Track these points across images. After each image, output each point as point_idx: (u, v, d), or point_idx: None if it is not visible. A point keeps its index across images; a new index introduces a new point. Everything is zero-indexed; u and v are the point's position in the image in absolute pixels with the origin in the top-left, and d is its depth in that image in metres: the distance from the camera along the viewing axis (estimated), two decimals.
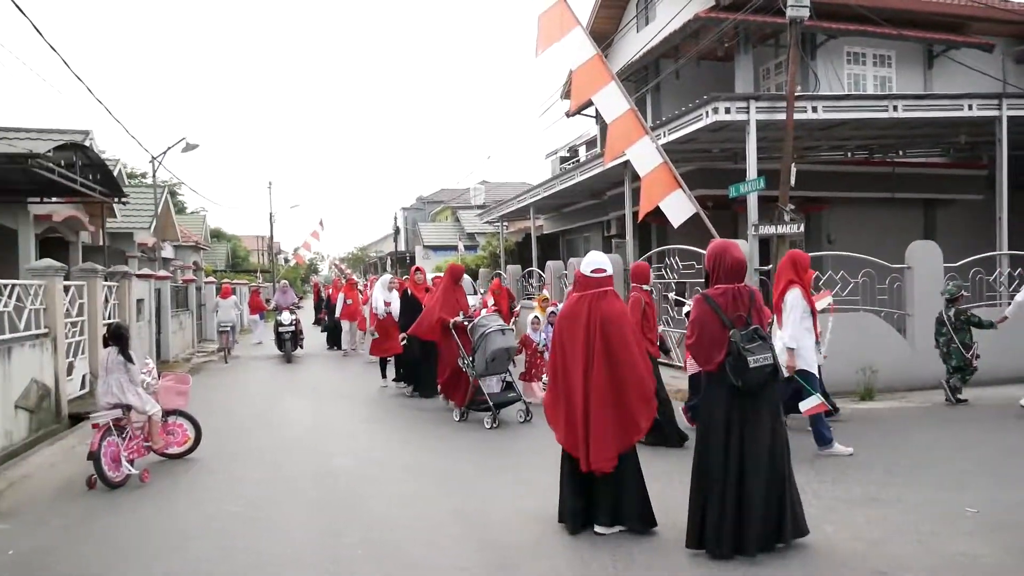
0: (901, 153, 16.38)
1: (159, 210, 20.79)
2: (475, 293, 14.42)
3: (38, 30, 9.71)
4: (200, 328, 21.45)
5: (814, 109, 11.37)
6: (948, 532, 4.70)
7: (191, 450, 7.28)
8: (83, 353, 10.51)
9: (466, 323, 8.92)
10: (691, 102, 11.72)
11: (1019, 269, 11.23)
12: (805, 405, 6.52)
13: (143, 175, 32.26)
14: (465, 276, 10.88)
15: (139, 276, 14.19)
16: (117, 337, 6.72)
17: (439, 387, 9.62)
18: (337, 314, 17.04)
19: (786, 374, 6.54)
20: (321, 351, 17.65)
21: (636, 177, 10.34)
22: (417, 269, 11.19)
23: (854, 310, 10.00)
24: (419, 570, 4.40)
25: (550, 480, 5.16)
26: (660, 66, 17.87)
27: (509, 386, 8.83)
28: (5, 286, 8.22)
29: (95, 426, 6.40)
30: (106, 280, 11.74)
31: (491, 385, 8.64)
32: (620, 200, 15.33)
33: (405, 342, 10.54)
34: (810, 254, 12.95)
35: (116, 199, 14.13)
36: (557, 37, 9.71)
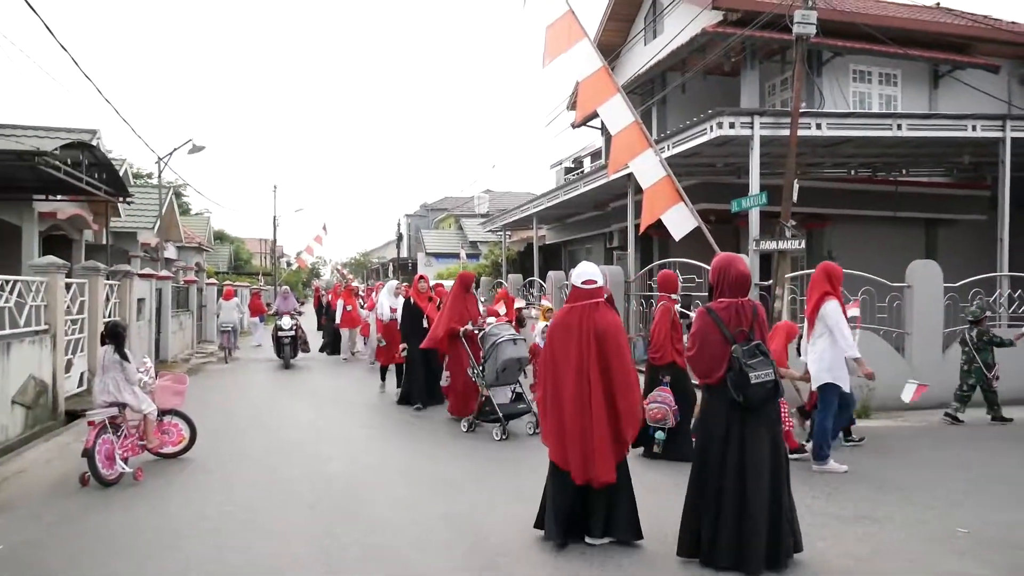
0: (904, 172, 16.41)
1: (163, 210, 20.87)
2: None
3: (49, 28, 9.79)
4: (200, 329, 21.48)
5: (818, 126, 11.40)
6: (939, 551, 4.69)
7: (186, 450, 7.30)
8: (82, 351, 10.54)
9: (476, 332, 8.83)
10: (697, 116, 11.76)
11: (1019, 291, 11.24)
12: (907, 394, 6.57)
13: (149, 175, 32.39)
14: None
15: (141, 275, 14.23)
16: (113, 335, 6.74)
17: (447, 399, 9.48)
18: (337, 321, 17.02)
19: (868, 379, 6.79)
20: (320, 356, 17.62)
21: (639, 189, 10.38)
22: (421, 277, 11.08)
23: (852, 327, 9.99)
24: (411, 573, 4.40)
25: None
26: (667, 79, 17.95)
27: (519, 397, 8.59)
28: (7, 282, 8.26)
29: (90, 423, 6.41)
30: (108, 279, 11.79)
31: (501, 396, 8.39)
32: (623, 212, 15.36)
33: (406, 353, 10.41)
34: (811, 271, 13.09)
35: (121, 199, 14.20)
36: (564, 48, 9.76)
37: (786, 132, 10.81)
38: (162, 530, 5.20)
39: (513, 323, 9.99)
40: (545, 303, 13.25)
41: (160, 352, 15.90)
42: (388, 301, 11.90)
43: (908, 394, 6.61)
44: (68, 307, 9.81)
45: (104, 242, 16.00)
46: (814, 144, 12.53)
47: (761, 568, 4.21)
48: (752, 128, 10.96)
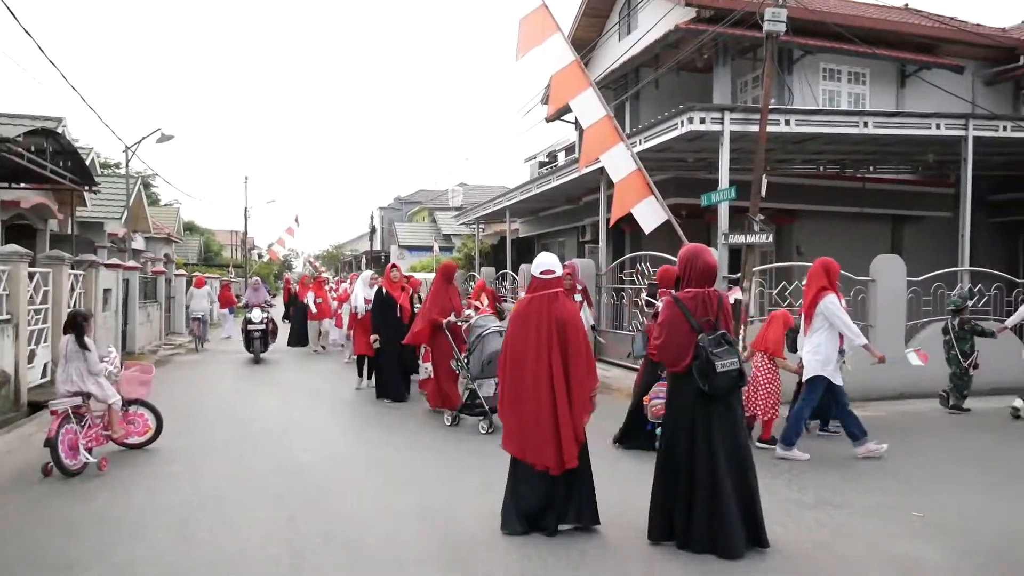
0: (871, 169, 16.71)
1: (131, 201, 20.51)
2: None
3: (12, 13, 9.59)
4: (168, 321, 21.21)
5: (787, 122, 11.56)
6: (893, 534, 4.82)
7: (151, 440, 7.22)
8: (46, 341, 10.37)
9: (460, 323, 8.73)
10: (669, 111, 11.86)
11: (979, 285, 11.52)
12: (914, 360, 6.87)
13: (116, 165, 31.80)
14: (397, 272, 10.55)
15: (107, 266, 14.03)
16: (73, 324, 6.65)
17: (424, 392, 9.38)
18: (312, 310, 16.62)
19: (878, 362, 7.00)
20: (287, 348, 17.06)
21: (611, 184, 10.44)
22: (393, 266, 10.74)
23: None
24: (378, 562, 4.42)
25: None
26: (640, 75, 18.06)
27: None
28: None
29: (53, 413, 6.34)
30: (73, 268, 11.60)
31: (486, 388, 8.14)
32: (595, 206, 15.45)
33: (377, 344, 10.08)
34: (780, 265, 13.31)
35: (87, 187, 13.96)
36: (538, 41, 9.76)
37: (756, 128, 10.94)
38: (126, 519, 5.16)
39: (494, 315, 9.95)
40: (523, 295, 13.25)
41: (127, 343, 15.66)
42: (363, 292, 11.39)
43: (915, 360, 6.99)
44: (31, 297, 9.65)
45: (70, 232, 15.71)
46: (783, 140, 12.70)
47: (740, 551, 4.32)
48: (722, 124, 11.08)
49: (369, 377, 11.12)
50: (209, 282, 21.46)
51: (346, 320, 13.92)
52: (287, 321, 18.09)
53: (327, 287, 17.46)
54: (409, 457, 7.04)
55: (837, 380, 6.92)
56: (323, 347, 16.85)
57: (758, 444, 7.15)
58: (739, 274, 10.75)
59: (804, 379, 7.09)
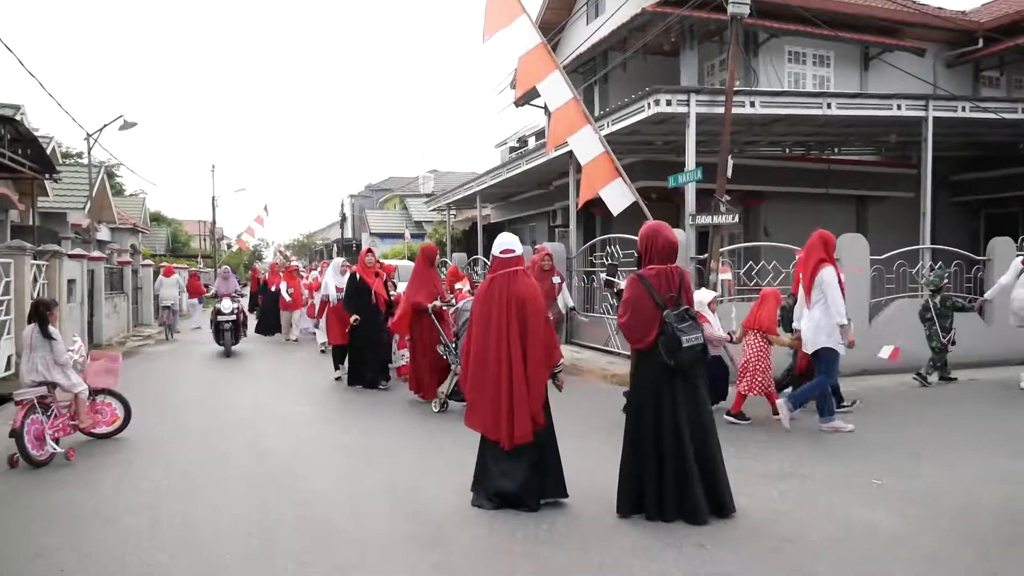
0: (836, 151, 16.98)
1: (94, 190, 20.15)
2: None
3: None
4: (136, 312, 20.90)
5: (752, 104, 11.69)
6: (853, 502, 4.97)
7: (120, 430, 7.16)
8: (8, 333, 10.19)
9: (445, 308, 8.64)
10: (636, 94, 11.92)
11: (940, 262, 11.81)
12: (885, 353, 6.86)
13: (79, 155, 31.13)
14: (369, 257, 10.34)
15: (71, 256, 13.76)
16: (36, 313, 6.56)
17: (402, 377, 9.29)
18: (287, 299, 16.48)
19: (847, 349, 6.97)
20: (257, 337, 16.97)
21: (580, 167, 10.49)
22: (368, 251, 10.50)
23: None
24: (348, 540, 4.46)
25: None
26: (609, 58, 18.09)
27: None
28: None
29: (18, 403, 6.25)
30: (35, 259, 11.38)
31: None
32: (566, 190, 15.51)
33: (356, 322, 9.83)
34: (747, 245, 13.51)
35: (47, 176, 13.70)
36: (505, 23, 9.74)
37: (721, 110, 11.05)
38: (97, 506, 5.14)
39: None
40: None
41: (94, 335, 15.43)
42: (334, 280, 11.17)
43: (886, 353, 7.08)
44: None
45: (31, 223, 15.39)
46: (749, 122, 12.85)
47: (706, 516, 4.47)
48: (688, 106, 11.18)
49: (343, 362, 10.87)
50: (178, 272, 21.20)
51: (318, 309, 13.74)
52: (254, 312, 17.94)
53: (300, 275, 17.33)
54: (380, 440, 7.07)
55: (841, 350, 7.00)
56: (296, 339, 16.64)
57: (728, 418, 7.32)
58: (706, 255, 10.90)
59: (810, 352, 7.13)
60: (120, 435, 7.11)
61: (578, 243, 14.90)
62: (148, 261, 23.40)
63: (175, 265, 23.22)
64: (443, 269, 16.48)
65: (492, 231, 25.65)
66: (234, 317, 14.19)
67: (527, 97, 20.70)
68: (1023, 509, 4.77)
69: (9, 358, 10.16)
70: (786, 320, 8.03)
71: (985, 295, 9.98)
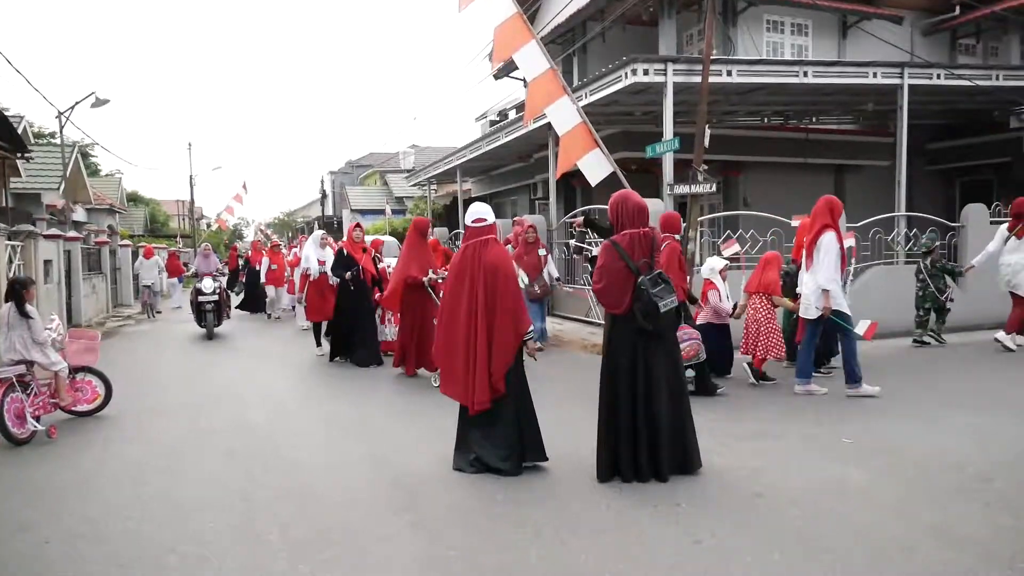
0: (814, 120, 17.06)
1: (68, 171, 19.82)
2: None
3: None
4: (115, 292, 20.73)
5: (729, 72, 11.71)
6: (823, 459, 5.11)
7: (101, 408, 7.17)
8: None
9: (440, 280, 8.50)
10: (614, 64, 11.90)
11: (915, 229, 11.97)
12: (861, 328, 7.10)
13: (52, 135, 30.59)
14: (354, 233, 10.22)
15: (46, 236, 13.59)
16: (12, 292, 6.53)
17: (386, 351, 9.27)
18: (262, 280, 16.57)
19: (819, 315, 7.04)
20: (243, 317, 17.08)
21: (559, 139, 10.49)
22: (357, 225, 10.29)
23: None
24: (330, 505, 4.53)
25: None
26: (587, 28, 18.00)
27: None
28: None
29: None
30: (9, 240, 11.25)
31: None
32: (546, 163, 15.50)
33: (350, 275, 9.65)
34: (726, 214, 13.60)
35: (19, 155, 13.48)
36: None
37: (699, 79, 11.06)
38: (79, 481, 5.17)
39: None
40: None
41: (73, 316, 15.29)
42: (315, 254, 10.93)
43: (862, 329, 7.19)
44: None
45: (3, 203, 15.15)
46: (727, 92, 12.87)
47: (669, 472, 4.65)
48: (666, 75, 11.19)
49: (326, 336, 10.76)
50: (158, 252, 21.05)
51: (298, 285, 13.64)
52: (235, 291, 17.91)
53: (282, 251, 17.32)
54: (362, 411, 7.13)
55: (845, 308, 7.09)
56: (278, 316, 16.57)
57: (753, 382, 7.60)
58: (685, 224, 10.95)
59: (812, 318, 7.16)
60: (101, 412, 7.13)
61: (558, 215, 14.94)
62: (126, 241, 23.18)
63: (154, 245, 23.04)
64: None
65: None
66: (216, 297, 13.45)
67: (506, 69, 20.56)
68: (978, 462, 4.93)
69: None
70: (788, 286, 8.06)
71: (973, 261, 10.16)
